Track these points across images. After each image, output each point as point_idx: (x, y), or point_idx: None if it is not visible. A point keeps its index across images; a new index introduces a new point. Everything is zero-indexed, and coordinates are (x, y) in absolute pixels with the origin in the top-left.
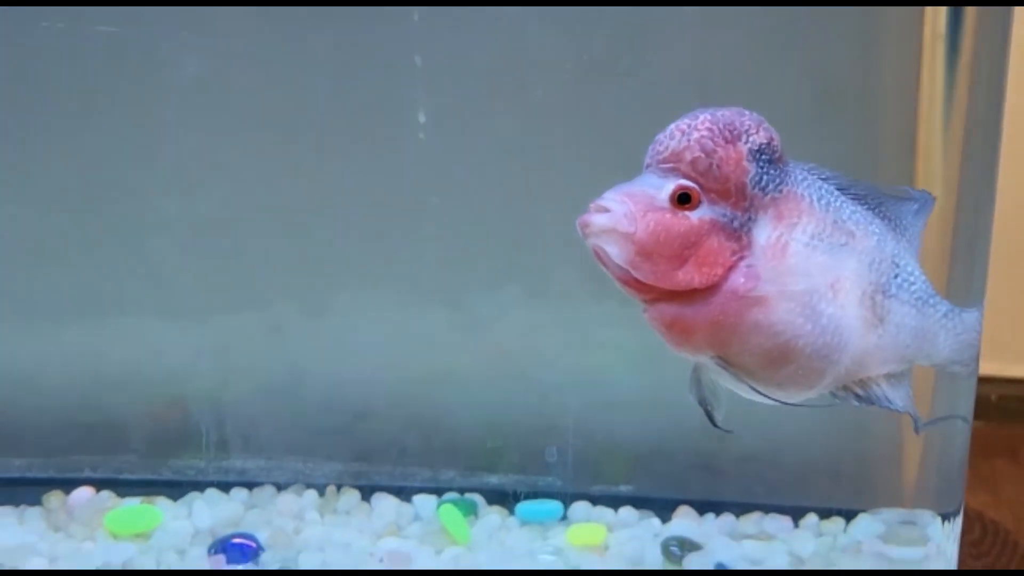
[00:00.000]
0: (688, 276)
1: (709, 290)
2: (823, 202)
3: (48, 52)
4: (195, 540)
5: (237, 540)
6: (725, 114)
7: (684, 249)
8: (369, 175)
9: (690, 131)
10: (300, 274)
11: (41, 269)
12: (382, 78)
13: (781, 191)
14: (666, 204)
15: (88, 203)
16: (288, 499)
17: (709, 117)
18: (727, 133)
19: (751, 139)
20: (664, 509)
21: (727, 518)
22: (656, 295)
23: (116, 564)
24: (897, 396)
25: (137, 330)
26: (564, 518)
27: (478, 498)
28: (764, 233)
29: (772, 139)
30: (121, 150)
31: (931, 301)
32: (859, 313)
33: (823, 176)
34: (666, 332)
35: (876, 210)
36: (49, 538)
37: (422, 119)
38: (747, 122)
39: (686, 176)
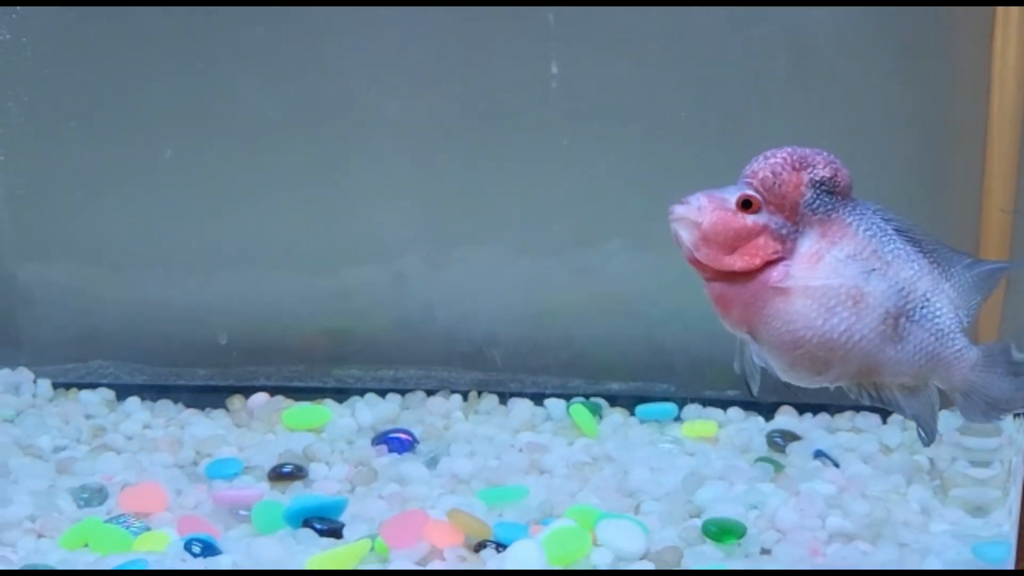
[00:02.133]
0: (732, 261)
1: (749, 277)
2: (868, 232)
3: None
4: (360, 434)
5: (396, 434)
6: (805, 151)
7: (735, 241)
8: (483, 146)
9: (770, 157)
10: (422, 231)
11: (205, 224)
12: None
13: (830, 215)
14: (732, 206)
15: (242, 167)
16: (437, 402)
17: (790, 150)
18: (797, 163)
19: (815, 171)
20: (768, 411)
21: (823, 417)
22: (711, 275)
23: (297, 450)
24: (909, 405)
25: (287, 277)
26: (678, 418)
27: (602, 401)
28: (807, 244)
29: (836, 175)
30: (261, 117)
31: (951, 335)
32: (879, 327)
33: (886, 217)
34: (715, 305)
35: (929, 255)
36: (235, 432)
37: (554, 69)
38: (818, 159)
39: (756, 189)
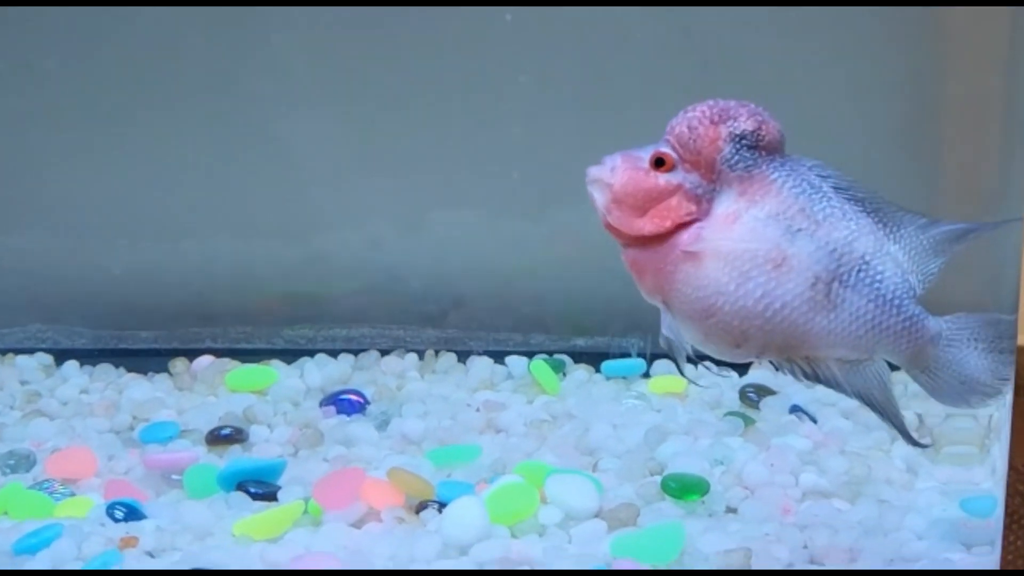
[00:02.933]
0: (642, 224)
1: (661, 241)
2: (796, 190)
3: None
4: (308, 395)
5: (345, 395)
6: (728, 104)
7: (646, 202)
8: (457, 109)
9: (689, 111)
10: (393, 196)
11: (164, 192)
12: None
13: (751, 172)
14: (645, 165)
15: (203, 137)
16: (391, 361)
17: (711, 103)
18: (716, 116)
19: (735, 124)
20: (742, 366)
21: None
22: (625, 240)
23: (238, 413)
24: (851, 382)
25: (249, 244)
26: (647, 375)
27: (566, 358)
28: (724, 204)
29: (760, 128)
30: (225, 80)
31: (896, 302)
32: (806, 294)
33: (822, 173)
34: (631, 272)
35: (873, 214)
36: (175, 395)
37: (508, 17)
38: (741, 111)
39: (672, 146)
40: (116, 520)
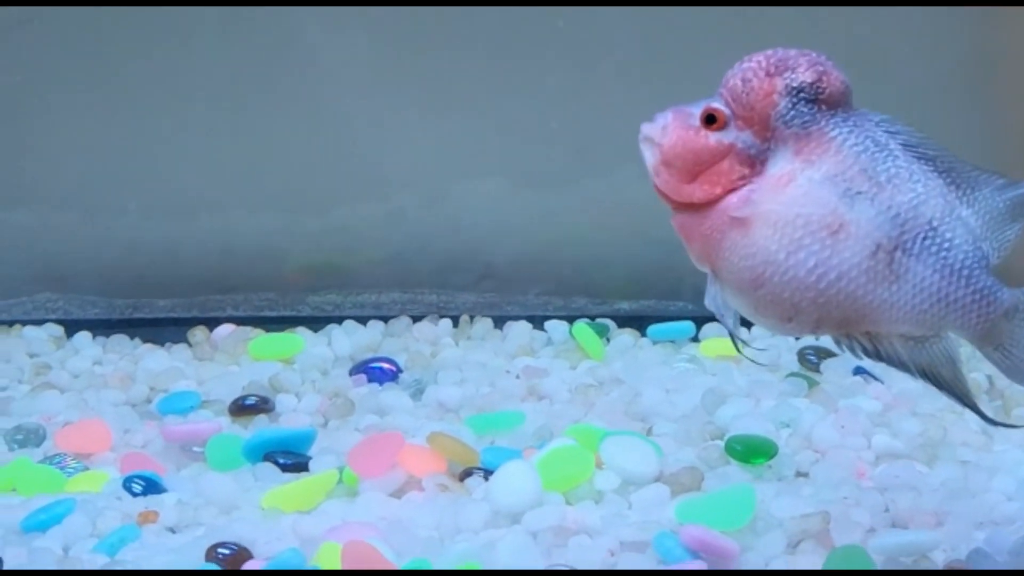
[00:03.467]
0: (691, 191)
1: (709, 206)
2: (857, 148)
3: None
4: (336, 364)
5: (376, 363)
6: (788, 53)
7: (696, 166)
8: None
9: (746, 61)
10: (419, 167)
11: (180, 163)
12: None
13: (807, 129)
14: (696, 123)
15: (221, 110)
16: (424, 328)
17: (770, 52)
18: (772, 67)
19: (793, 76)
20: None
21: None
22: (675, 204)
23: (263, 381)
24: (915, 360)
25: (269, 216)
26: (695, 339)
27: (609, 323)
28: (778, 164)
29: (820, 80)
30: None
31: (966, 273)
32: (866, 264)
33: (890, 129)
34: (681, 239)
35: (944, 174)
36: (194, 365)
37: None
38: (800, 61)
39: (725, 100)
40: (134, 494)
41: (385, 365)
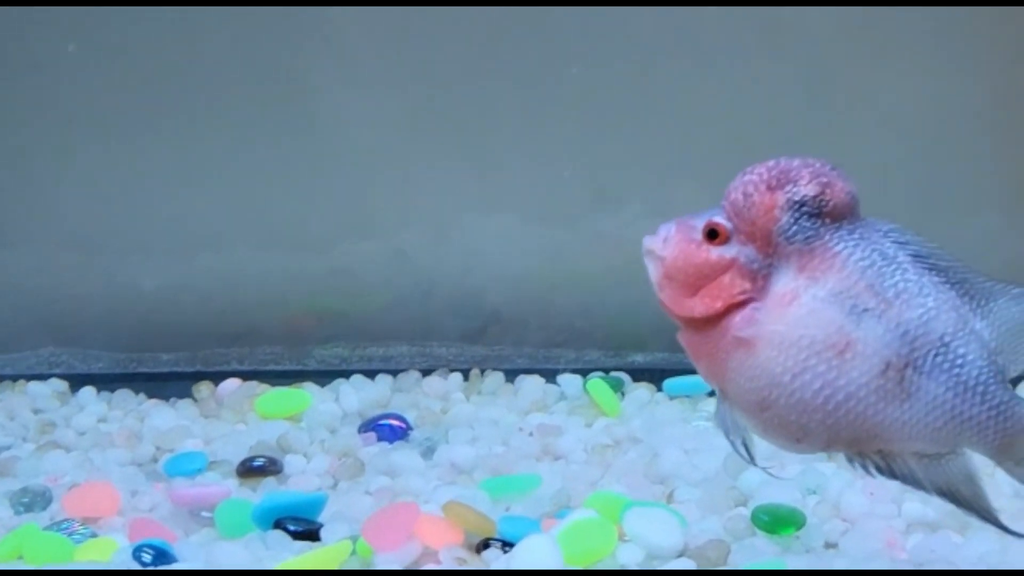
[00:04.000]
0: (692, 305)
1: (714, 322)
2: (864, 263)
3: None
4: (345, 420)
5: (386, 420)
6: (790, 163)
7: (697, 280)
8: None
9: (747, 173)
10: (423, 204)
11: (181, 206)
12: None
13: (810, 244)
14: (699, 236)
15: (221, 150)
16: (433, 382)
17: (771, 164)
18: (774, 180)
19: (795, 190)
20: None
21: None
22: (679, 319)
23: (270, 441)
24: (931, 478)
25: (275, 257)
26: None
27: (624, 376)
28: (781, 281)
29: (823, 193)
30: (246, 90)
31: (980, 389)
32: (875, 382)
33: (900, 240)
34: (687, 354)
35: (956, 286)
36: (201, 423)
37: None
38: (803, 173)
39: (727, 214)
40: (144, 564)
41: (395, 422)
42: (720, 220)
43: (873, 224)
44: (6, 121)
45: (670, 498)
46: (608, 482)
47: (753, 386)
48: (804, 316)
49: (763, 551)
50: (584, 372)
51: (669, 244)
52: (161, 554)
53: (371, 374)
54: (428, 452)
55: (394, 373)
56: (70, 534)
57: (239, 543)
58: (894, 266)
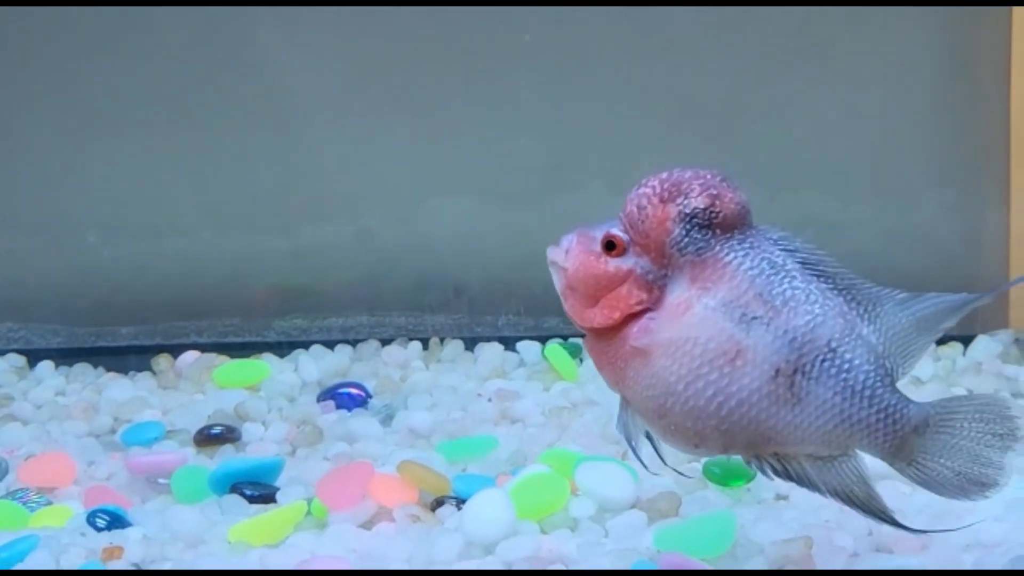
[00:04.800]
0: (593, 315)
1: (613, 332)
2: (753, 272)
3: None
4: (304, 390)
5: (345, 388)
6: (682, 175)
7: (598, 291)
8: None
9: (642, 186)
10: (386, 186)
11: (142, 186)
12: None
13: (702, 256)
14: (598, 248)
15: (184, 131)
16: (393, 351)
17: (665, 176)
18: (666, 193)
19: (686, 202)
20: None
21: None
22: (583, 328)
23: (228, 410)
24: (825, 480)
25: (233, 238)
26: None
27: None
28: (675, 292)
29: (714, 204)
30: (209, 70)
31: (868, 393)
32: (766, 388)
33: (788, 248)
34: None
35: (844, 292)
36: (159, 394)
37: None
38: (694, 185)
39: (622, 225)
40: (98, 529)
41: (354, 391)
42: (617, 232)
43: (763, 233)
44: None
45: (624, 456)
46: (564, 443)
47: (650, 394)
48: (696, 325)
49: (714, 503)
50: (543, 339)
51: (570, 255)
52: (116, 519)
53: (331, 345)
54: (387, 419)
55: (354, 343)
56: (24, 502)
57: (194, 508)
58: (783, 274)
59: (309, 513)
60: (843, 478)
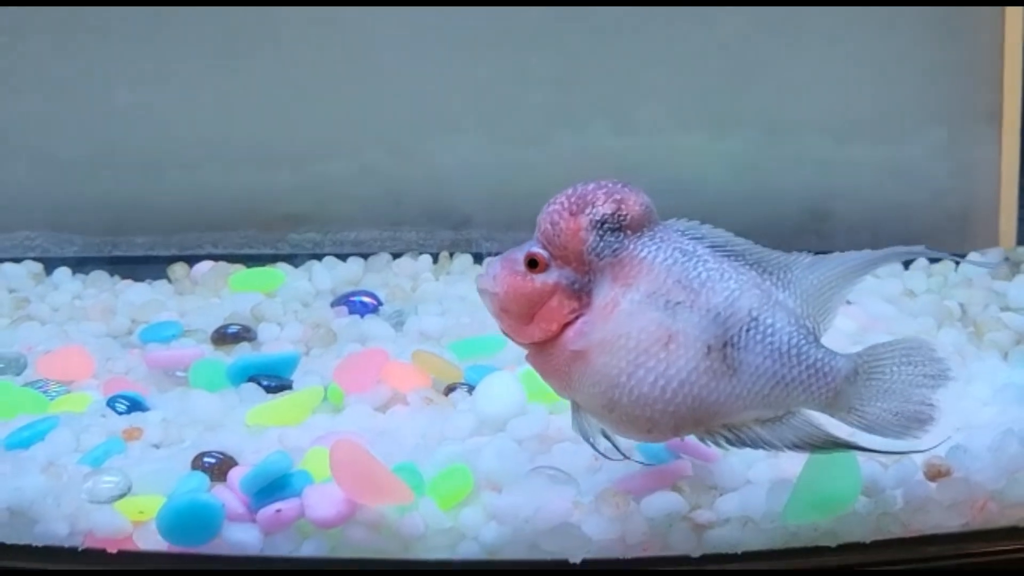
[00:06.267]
0: (532, 331)
1: (552, 343)
2: (668, 262)
3: None
4: (317, 297)
5: (358, 296)
6: (586, 188)
7: (530, 307)
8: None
9: (551, 204)
10: (387, 123)
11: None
12: None
13: (618, 256)
14: (522, 268)
15: (193, 64)
16: (404, 263)
17: (570, 191)
18: (574, 206)
19: (594, 211)
20: None
21: None
22: (522, 345)
23: (244, 312)
24: (778, 437)
25: (240, 175)
26: None
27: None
28: (601, 294)
29: (619, 209)
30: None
31: (794, 352)
32: (704, 365)
33: (696, 235)
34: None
35: (755, 266)
36: (176, 299)
37: None
38: (599, 195)
39: (540, 243)
40: (118, 412)
41: (366, 298)
42: (537, 250)
43: (670, 226)
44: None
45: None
46: None
47: (596, 391)
48: (626, 321)
49: None
50: None
51: (498, 280)
52: (135, 404)
53: (343, 258)
54: (398, 324)
55: (366, 256)
56: (44, 391)
57: (213, 395)
58: (695, 259)
59: (326, 398)
60: (796, 430)
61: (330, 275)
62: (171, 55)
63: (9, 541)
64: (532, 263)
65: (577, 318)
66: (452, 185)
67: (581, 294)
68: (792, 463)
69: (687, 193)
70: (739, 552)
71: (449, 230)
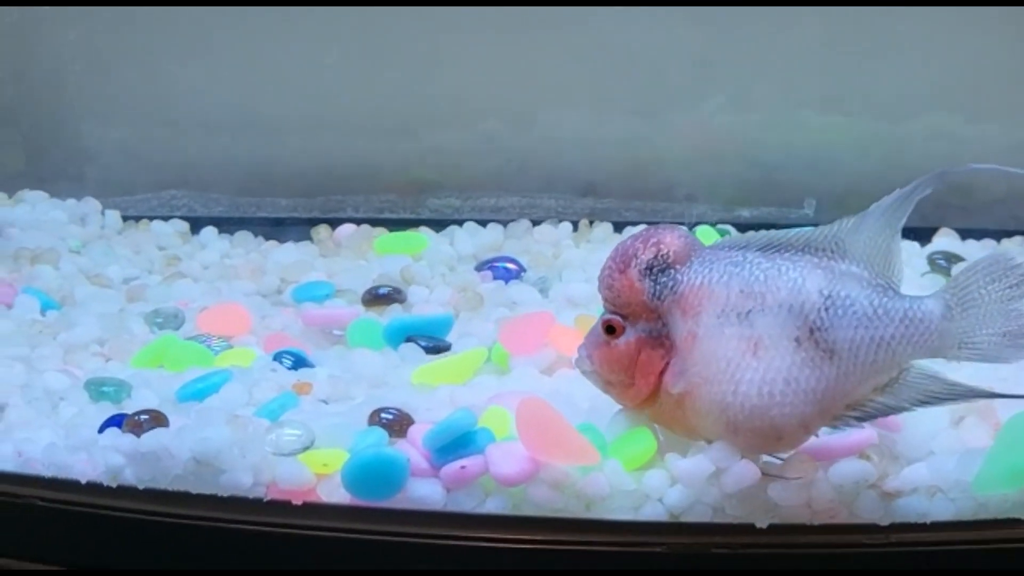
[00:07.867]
0: (637, 391)
1: (659, 395)
2: (723, 280)
3: None
4: (461, 261)
5: (501, 262)
6: (624, 244)
7: (626, 370)
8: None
9: (602, 271)
10: (505, 94)
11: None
12: None
13: (677, 292)
14: (604, 338)
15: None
16: (544, 230)
17: (612, 253)
18: (621, 264)
19: (639, 261)
20: (923, 235)
21: (988, 242)
22: (636, 407)
23: (393, 274)
24: (902, 399)
25: (368, 141)
26: None
27: (730, 228)
28: (678, 331)
29: (659, 251)
30: None
31: (880, 311)
32: (800, 357)
33: (740, 246)
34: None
35: (804, 250)
36: (321, 260)
37: None
38: (637, 245)
39: (609, 310)
40: (286, 368)
41: (509, 264)
42: (608, 316)
43: (713, 248)
44: None
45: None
46: None
47: (713, 419)
48: (708, 345)
49: None
50: (691, 226)
51: (593, 358)
52: (299, 360)
53: (483, 223)
54: (543, 291)
55: (504, 223)
56: (208, 345)
57: (375, 353)
58: (748, 266)
59: (490, 359)
60: (915, 387)
61: (472, 241)
62: (328, 18)
63: (195, 491)
64: (610, 329)
65: (668, 363)
66: (571, 154)
67: (663, 339)
68: (975, 434)
69: (814, 171)
70: (928, 522)
71: (588, 197)
